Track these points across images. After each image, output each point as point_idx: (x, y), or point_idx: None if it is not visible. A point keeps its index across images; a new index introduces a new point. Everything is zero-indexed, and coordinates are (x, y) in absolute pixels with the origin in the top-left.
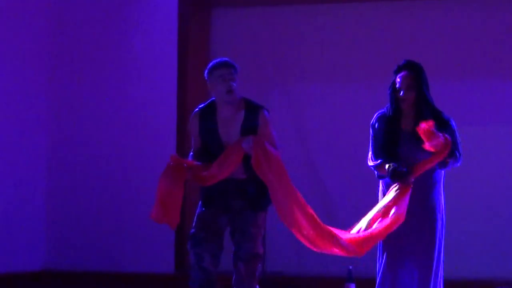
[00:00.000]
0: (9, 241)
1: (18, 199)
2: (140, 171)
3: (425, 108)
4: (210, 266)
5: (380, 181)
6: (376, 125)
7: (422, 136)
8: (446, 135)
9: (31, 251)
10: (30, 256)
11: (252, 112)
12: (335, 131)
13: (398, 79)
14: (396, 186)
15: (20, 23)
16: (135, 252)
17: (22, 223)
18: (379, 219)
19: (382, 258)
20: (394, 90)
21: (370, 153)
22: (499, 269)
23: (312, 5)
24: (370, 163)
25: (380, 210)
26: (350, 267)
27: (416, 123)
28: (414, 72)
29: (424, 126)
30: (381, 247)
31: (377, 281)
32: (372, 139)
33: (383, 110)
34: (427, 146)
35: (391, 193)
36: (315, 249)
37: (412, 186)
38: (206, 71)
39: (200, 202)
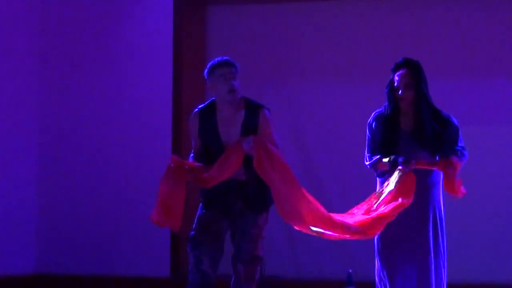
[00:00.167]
0: None
1: (9, 200)
2: (135, 172)
3: (424, 107)
4: (209, 269)
5: (378, 181)
6: (374, 125)
7: None
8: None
9: (23, 254)
10: (22, 259)
11: (252, 112)
12: (333, 131)
13: (396, 78)
14: (396, 175)
15: (11, 19)
16: (130, 255)
17: (13, 226)
18: (383, 205)
19: (380, 260)
20: (392, 89)
21: (366, 153)
22: (500, 272)
23: (309, 3)
24: (367, 162)
25: (383, 197)
26: (350, 271)
27: (415, 123)
28: (413, 70)
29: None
30: (378, 249)
31: (376, 284)
32: (368, 139)
33: (380, 109)
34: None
35: (392, 183)
36: (326, 238)
37: (414, 174)
38: (206, 70)
39: (200, 204)
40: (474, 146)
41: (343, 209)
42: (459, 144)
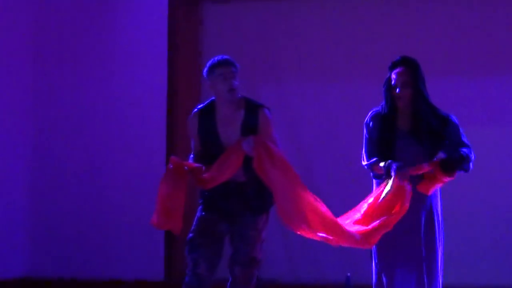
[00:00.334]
0: None
1: (0, 202)
2: (128, 174)
3: (422, 105)
4: (205, 272)
5: (374, 182)
6: (371, 124)
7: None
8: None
9: (12, 257)
10: (13, 263)
11: (252, 111)
12: (329, 130)
13: (393, 76)
14: (390, 182)
15: (4, 19)
16: (123, 258)
17: (3, 228)
18: (379, 215)
19: (377, 264)
20: (389, 87)
21: (363, 152)
22: (500, 276)
23: (306, 0)
24: (364, 162)
25: (379, 203)
26: (348, 274)
27: (413, 122)
28: (410, 68)
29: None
30: (375, 252)
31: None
32: (366, 138)
33: (377, 108)
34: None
35: (385, 193)
36: (327, 242)
37: (410, 182)
38: (205, 70)
39: (200, 206)
40: (473, 146)
41: (340, 209)
42: (464, 142)
